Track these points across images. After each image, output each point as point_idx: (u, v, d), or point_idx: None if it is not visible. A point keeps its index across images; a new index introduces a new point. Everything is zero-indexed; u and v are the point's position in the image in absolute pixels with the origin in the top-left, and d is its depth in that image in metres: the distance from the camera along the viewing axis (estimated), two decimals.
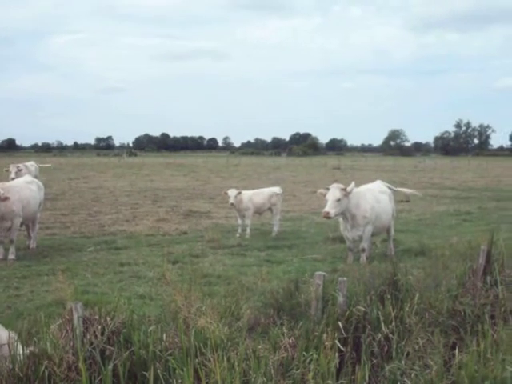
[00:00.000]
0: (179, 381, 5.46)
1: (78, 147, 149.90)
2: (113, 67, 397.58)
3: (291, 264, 13.37)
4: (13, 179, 19.91)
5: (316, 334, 6.50)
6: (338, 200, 12.90)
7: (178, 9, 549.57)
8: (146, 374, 5.52)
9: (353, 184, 13.44)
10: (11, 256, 13.98)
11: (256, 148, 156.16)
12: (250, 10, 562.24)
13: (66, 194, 30.02)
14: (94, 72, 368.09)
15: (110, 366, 5.45)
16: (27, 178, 17.01)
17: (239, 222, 17.80)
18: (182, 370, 5.45)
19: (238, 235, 17.30)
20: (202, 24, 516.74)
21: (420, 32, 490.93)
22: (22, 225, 14.84)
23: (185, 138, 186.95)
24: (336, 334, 6.45)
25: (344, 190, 13.03)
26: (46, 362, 5.48)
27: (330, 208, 12.89)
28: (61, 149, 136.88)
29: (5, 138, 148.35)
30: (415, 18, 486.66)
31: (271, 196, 18.14)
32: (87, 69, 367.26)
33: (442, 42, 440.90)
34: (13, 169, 22.39)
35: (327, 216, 12.96)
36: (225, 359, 5.51)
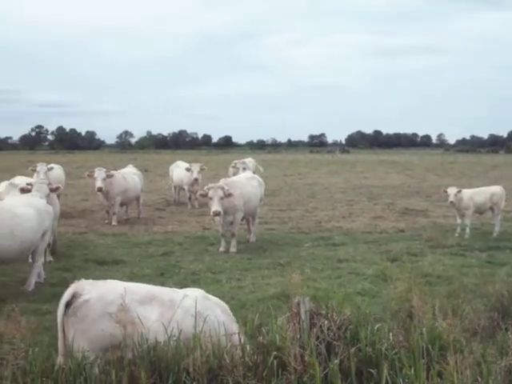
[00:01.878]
0: (406, 380, 5.33)
1: (291, 144, 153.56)
2: (325, 65, 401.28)
3: None
4: (235, 175, 20.88)
5: None
6: None
7: (388, 4, 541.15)
8: (373, 371, 5.46)
9: None
10: (233, 249, 14.66)
11: (472, 145, 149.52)
12: (463, 3, 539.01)
13: (282, 190, 30.73)
14: (307, 70, 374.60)
15: (337, 361, 5.46)
16: (248, 174, 17.70)
17: (458, 221, 17.14)
18: (410, 369, 5.32)
19: (456, 234, 16.65)
20: (414, 19, 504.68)
21: None
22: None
23: (397, 135, 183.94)
24: None
25: None
26: (274, 352, 5.61)
27: None
28: (275, 146, 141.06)
29: (222, 135, 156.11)
30: None
31: (493, 195, 17.26)
32: (299, 67, 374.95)
33: None
34: (240, 165, 23.31)
35: None
36: (457, 362, 5.28)
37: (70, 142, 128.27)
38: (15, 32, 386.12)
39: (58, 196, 14.55)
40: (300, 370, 5.49)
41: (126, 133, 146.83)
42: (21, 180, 14.61)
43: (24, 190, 12.36)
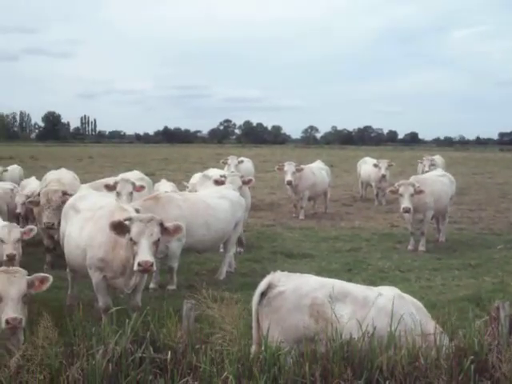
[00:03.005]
0: None
1: (480, 142, 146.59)
2: None
3: None
4: (425, 172, 20.41)
5: None
6: None
7: None
8: None
9: None
10: (421, 248, 14.35)
11: None
12: None
13: (472, 189, 29.47)
14: (497, 65, 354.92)
15: None
16: (439, 171, 17.20)
17: None
18: None
19: None
20: None
21: None
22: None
23: None
24: None
25: None
26: (471, 357, 5.40)
27: None
28: (462, 143, 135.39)
29: (408, 131, 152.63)
30: None
31: None
32: (489, 62, 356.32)
33: None
34: (426, 162, 22.69)
35: None
36: None
37: (256, 136, 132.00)
38: (206, 31, 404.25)
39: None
40: (497, 378, 5.26)
41: (312, 128, 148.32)
42: (214, 172, 15.24)
43: (218, 182, 12.89)
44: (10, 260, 8.67)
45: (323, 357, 5.54)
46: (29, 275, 6.21)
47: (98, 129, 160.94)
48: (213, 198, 11.49)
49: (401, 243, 15.11)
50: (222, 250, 12.43)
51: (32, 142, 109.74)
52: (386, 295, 6.13)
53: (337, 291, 6.05)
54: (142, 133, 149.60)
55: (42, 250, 12.71)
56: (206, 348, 5.49)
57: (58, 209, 11.09)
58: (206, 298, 6.36)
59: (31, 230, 9.30)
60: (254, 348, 5.92)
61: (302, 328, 5.90)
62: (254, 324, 6.27)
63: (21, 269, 6.27)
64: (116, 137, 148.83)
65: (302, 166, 19.41)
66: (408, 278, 11.44)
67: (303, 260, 13.10)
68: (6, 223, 9.67)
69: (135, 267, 7.36)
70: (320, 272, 10.91)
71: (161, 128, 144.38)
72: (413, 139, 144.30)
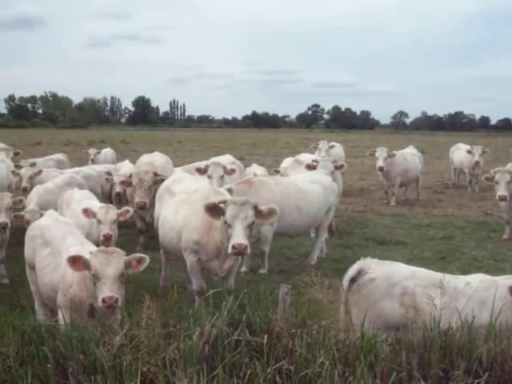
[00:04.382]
0: None
1: None
2: None
3: None
4: None
5: None
6: None
7: None
8: None
9: None
10: None
11: None
12: None
13: None
14: None
15: None
16: None
17: None
18: None
19: None
20: None
21: None
22: None
23: None
24: None
25: None
26: None
27: None
28: None
29: (501, 117, 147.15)
30: None
31: None
32: None
33: None
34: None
35: None
36: None
37: (345, 121, 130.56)
38: (296, 14, 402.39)
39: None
40: None
41: (401, 113, 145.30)
42: (306, 157, 15.17)
43: (310, 167, 12.82)
44: (107, 240, 8.88)
45: (420, 345, 5.43)
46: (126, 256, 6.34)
47: (186, 113, 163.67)
48: (305, 182, 11.45)
49: (495, 232, 14.66)
50: (312, 235, 12.39)
51: (122, 126, 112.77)
52: (478, 285, 5.94)
53: (428, 281, 5.94)
54: (230, 117, 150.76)
55: (135, 231, 13.04)
56: (302, 333, 5.45)
57: (150, 189, 11.55)
58: (314, 282, 6.36)
59: (127, 211, 9.49)
60: (343, 335, 5.86)
61: (390, 316, 5.84)
62: (341, 309, 6.22)
63: (119, 249, 6.38)
64: (204, 121, 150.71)
65: (394, 152, 19.10)
66: (503, 268, 11.02)
67: (395, 247, 12.92)
68: (103, 204, 9.94)
69: (229, 250, 7.41)
70: (412, 260, 10.75)
71: (249, 113, 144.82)
72: (506, 126, 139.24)
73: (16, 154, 18.31)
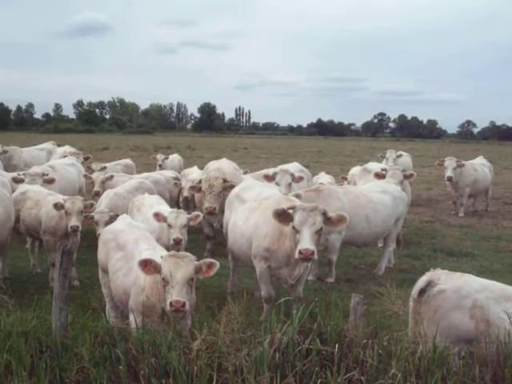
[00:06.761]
0: None
1: None
2: None
3: None
4: None
5: None
6: None
7: None
8: None
9: None
10: None
11: None
12: None
13: None
14: None
15: None
16: None
17: None
18: None
19: None
20: None
21: None
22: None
23: None
24: None
25: None
26: None
27: None
28: None
29: None
30: None
31: None
32: None
33: None
34: None
35: None
36: None
37: (411, 130, 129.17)
38: (361, 22, 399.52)
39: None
40: None
41: (469, 122, 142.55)
42: (374, 166, 15.06)
43: (379, 176, 12.74)
44: (177, 244, 8.96)
45: (494, 360, 5.32)
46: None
47: (251, 120, 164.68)
48: (374, 191, 11.37)
49: None
50: (380, 245, 12.29)
51: (188, 132, 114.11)
52: None
53: (499, 294, 5.81)
54: (295, 125, 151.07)
55: (203, 237, 13.16)
56: (373, 343, 5.42)
57: (219, 195, 11.64)
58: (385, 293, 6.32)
59: (197, 215, 9.54)
60: (415, 346, 5.79)
61: (462, 329, 5.73)
62: (411, 321, 6.16)
63: (189, 254, 6.41)
64: (269, 128, 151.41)
65: (464, 162, 18.73)
66: None
67: (464, 259, 12.67)
68: (173, 209, 10.07)
69: (296, 255, 7.40)
70: (482, 272, 10.54)
71: (314, 120, 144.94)
72: None
73: (86, 158, 18.79)
